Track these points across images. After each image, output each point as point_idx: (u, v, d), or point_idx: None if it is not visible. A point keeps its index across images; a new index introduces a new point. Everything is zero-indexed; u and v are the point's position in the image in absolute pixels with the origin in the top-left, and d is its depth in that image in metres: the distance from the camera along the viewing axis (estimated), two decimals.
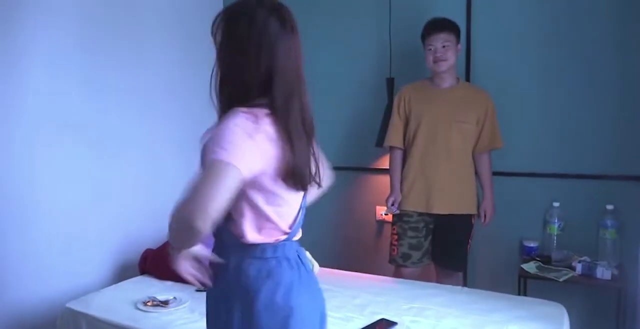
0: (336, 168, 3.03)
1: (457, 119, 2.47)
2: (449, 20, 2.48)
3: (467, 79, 2.76)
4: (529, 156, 2.69)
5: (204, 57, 3.19)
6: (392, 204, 2.58)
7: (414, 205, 2.54)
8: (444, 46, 2.43)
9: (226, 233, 1.14)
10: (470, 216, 2.56)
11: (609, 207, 2.46)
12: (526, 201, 2.71)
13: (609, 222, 2.45)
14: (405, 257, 2.56)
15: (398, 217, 2.60)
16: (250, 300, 1.11)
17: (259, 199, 1.10)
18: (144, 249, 2.60)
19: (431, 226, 2.57)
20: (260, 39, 1.07)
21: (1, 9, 2.13)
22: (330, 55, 3.09)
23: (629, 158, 2.50)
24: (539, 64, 2.65)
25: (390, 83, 2.88)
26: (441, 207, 2.50)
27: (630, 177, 2.49)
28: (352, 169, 3.14)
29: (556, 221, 2.59)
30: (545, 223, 2.64)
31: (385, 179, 2.72)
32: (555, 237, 2.59)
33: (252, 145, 1.04)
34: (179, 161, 2.87)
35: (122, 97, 2.68)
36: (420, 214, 2.54)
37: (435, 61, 2.46)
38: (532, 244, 2.64)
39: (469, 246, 2.59)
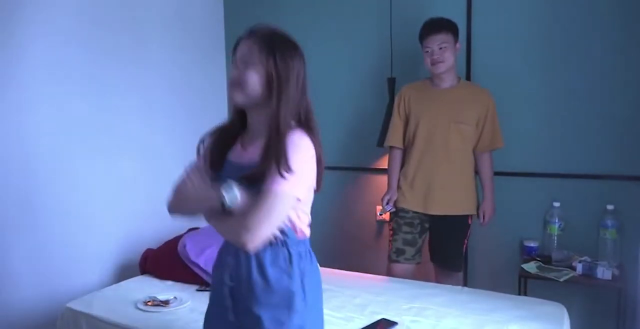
0: (337, 168, 3.10)
1: (456, 119, 2.46)
2: (445, 20, 2.45)
3: (467, 79, 2.76)
4: (529, 156, 2.69)
5: (205, 56, 3.23)
6: (387, 203, 2.58)
7: (413, 205, 2.54)
8: (440, 48, 2.41)
9: (290, 233, 1.31)
10: (466, 216, 2.55)
11: (609, 207, 2.46)
12: (526, 201, 2.72)
13: (609, 222, 2.45)
14: (399, 252, 2.55)
15: (394, 214, 2.61)
16: (309, 283, 1.32)
17: (309, 201, 1.35)
18: (144, 249, 2.60)
19: (426, 225, 2.57)
20: (305, 80, 1.32)
21: (1, 8, 2.13)
22: (331, 55, 3.09)
23: (629, 158, 2.50)
24: (539, 64, 2.65)
25: (392, 83, 2.88)
26: (440, 208, 2.50)
27: (630, 177, 2.49)
28: (353, 169, 3.15)
29: (556, 221, 2.59)
30: (546, 223, 2.64)
31: (386, 179, 2.72)
32: (555, 237, 2.60)
33: (313, 164, 1.27)
34: (180, 161, 2.84)
35: (123, 96, 2.68)
36: (416, 211, 2.54)
37: (433, 63, 2.44)
38: (532, 244, 2.64)
39: (465, 246, 2.59)
